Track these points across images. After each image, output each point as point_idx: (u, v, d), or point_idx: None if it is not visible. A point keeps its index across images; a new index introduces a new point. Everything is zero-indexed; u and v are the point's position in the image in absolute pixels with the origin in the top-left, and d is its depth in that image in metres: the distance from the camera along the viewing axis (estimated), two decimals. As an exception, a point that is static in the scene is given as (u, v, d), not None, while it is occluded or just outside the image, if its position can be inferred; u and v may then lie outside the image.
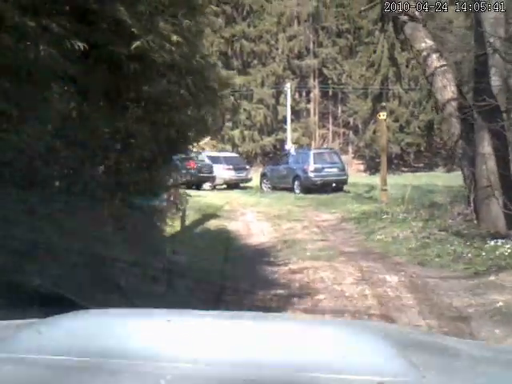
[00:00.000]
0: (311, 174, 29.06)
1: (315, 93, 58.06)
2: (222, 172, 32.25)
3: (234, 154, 37.78)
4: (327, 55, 56.32)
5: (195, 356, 1.43)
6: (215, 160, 31.85)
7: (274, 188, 30.92)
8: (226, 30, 56.22)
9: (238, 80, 55.83)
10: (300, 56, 57.42)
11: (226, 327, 1.60)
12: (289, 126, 49.47)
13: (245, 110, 56.00)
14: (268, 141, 55.56)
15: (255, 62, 56.44)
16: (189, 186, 30.75)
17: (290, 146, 41.42)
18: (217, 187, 32.27)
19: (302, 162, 29.79)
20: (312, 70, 57.73)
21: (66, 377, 1.39)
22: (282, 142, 49.64)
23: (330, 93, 57.69)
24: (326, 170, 29.27)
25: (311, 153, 30.61)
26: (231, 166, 32.87)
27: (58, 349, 1.49)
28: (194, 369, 1.40)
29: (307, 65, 57.42)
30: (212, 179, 31.30)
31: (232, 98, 56.92)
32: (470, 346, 1.96)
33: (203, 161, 30.65)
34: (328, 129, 59.02)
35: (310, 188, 28.50)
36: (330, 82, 56.41)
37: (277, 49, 56.39)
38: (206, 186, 31.62)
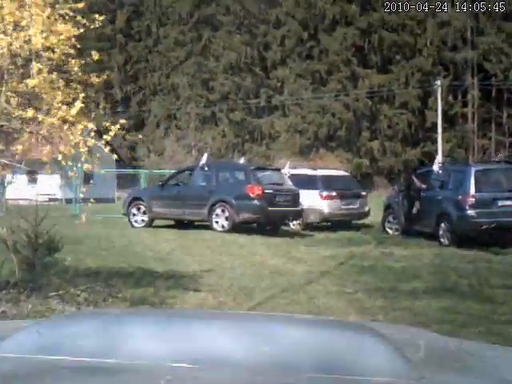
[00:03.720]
0: (471, 211, 14.21)
1: (474, 93, 46.00)
2: (319, 202, 17.84)
3: (340, 172, 22.14)
4: (490, 45, 43.82)
5: (195, 356, 1.39)
6: (306, 182, 17.65)
7: (406, 233, 16.13)
8: (361, 19, 43.41)
9: (377, 79, 42.55)
10: (454, 48, 45.40)
11: (225, 328, 1.57)
12: (440, 136, 37.96)
13: (385, 116, 43.34)
14: (413, 154, 43.09)
15: (397, 57, 45.43)
16: (260, 227, 16.88)
17: (439, 161, 26.06)
18: (312, 226, 17.94)
19: (455, 186, 15.06)
20: (469, 65, 45.39)
21: (65, 377, 1.34)
22: (431, 155, 35.13)
23: (493, 93, 45.26)
24: (500, 201, 14.37)
25: (472, 170, 15.18)
26: (334, 193, 18.17)
27: (57, 349, 1.44)
28: (193, 369, 1.35)
29: (463, 58, 45.00)
30: (296, 214, 16.92)
31: (369, 101, 43.03)
32: (469, 346, 1.99)
33: (281, 184, 16.51)
34: (490, 138, 46.00)
35: (469, 236, 14.23)
36: (492, 79, 44.15)
37: (424, 39, 44.88)
38: (293, 225, 17.55)
